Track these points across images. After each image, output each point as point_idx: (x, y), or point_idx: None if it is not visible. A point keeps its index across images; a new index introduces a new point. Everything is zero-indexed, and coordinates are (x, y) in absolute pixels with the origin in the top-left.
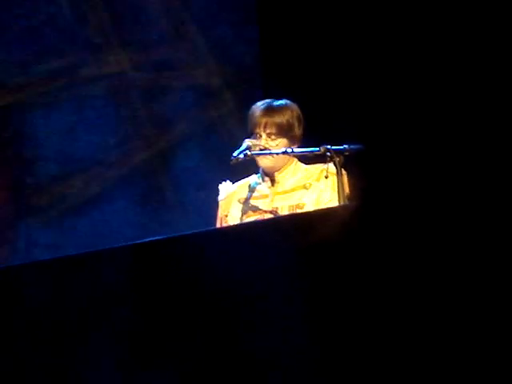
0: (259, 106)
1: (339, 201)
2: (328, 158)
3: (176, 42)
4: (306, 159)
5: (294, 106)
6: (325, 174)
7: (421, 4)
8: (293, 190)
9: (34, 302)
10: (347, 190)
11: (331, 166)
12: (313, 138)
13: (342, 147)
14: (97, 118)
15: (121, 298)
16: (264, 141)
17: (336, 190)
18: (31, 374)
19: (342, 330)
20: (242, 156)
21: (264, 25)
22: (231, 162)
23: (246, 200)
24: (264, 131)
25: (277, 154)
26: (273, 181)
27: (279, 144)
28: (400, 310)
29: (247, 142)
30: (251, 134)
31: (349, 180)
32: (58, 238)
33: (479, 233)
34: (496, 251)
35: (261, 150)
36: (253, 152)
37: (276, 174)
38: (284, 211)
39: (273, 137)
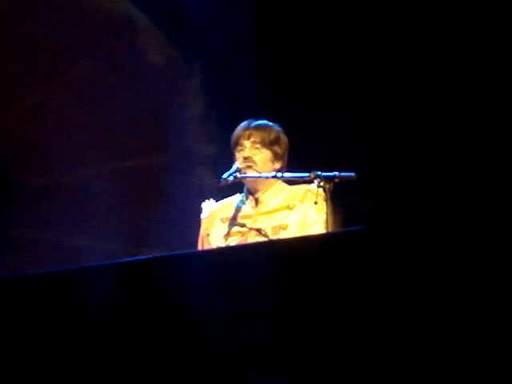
0: (242, 123)
1: (329, 226)
2: (317, 184)
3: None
4: (292, 182)
5: (278, 128)
6: (314, 199)
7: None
8: (276, 210)
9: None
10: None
11: (320, 191)
12: (303, 163)
13: (331, 173)
14: None
15: (102, 317)
16: (248, 150)
17: (321, 212)
18: None
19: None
20: (231, 178)
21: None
22: (220, 184)
23: (231, 220)
24: (248, 140)
25: (266, 177)
26: (256, 200)
27: (263, 155)
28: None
29: (237, 165)
30: (234, 150)
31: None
32: None
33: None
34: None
35: (244, 158)
36: (242, 174)
37: (260, 193)
38: (267, 232)
39: (257, 145)
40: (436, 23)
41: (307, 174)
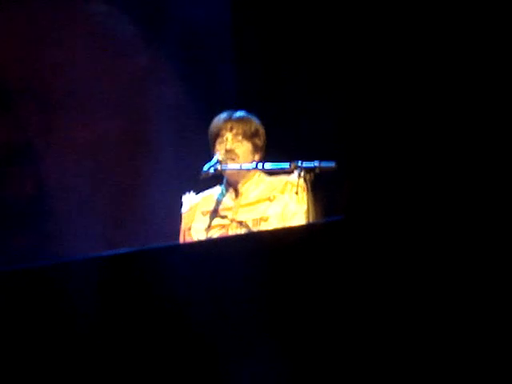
0: (222, 115)
1: (310, 217)
2: (298, 175)
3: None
4: (272, 173)
5: (257, 120)
6: (295, 190)
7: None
8: (257, 202)
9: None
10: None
11: (301, 181)
12: (282, 153)
13: (312, 164)
14: None
15: (84, 311)
16: (230, 142)
17: (301, 203)
18: None
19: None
20: (211, 170)
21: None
22: (201, 177)
23: (212, 213)
24: (230, 132)
25: (248, 169)
26: (236, 192)
27: (244, 148)
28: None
29: (217, 156)
30: (214, 142)
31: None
32: None
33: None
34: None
35: (226, 150)
36: (223, 166)
37: (240, 185)
38: (248, 224)
39: (239, 137)
40: (414, 26)
41: (287, 165)
